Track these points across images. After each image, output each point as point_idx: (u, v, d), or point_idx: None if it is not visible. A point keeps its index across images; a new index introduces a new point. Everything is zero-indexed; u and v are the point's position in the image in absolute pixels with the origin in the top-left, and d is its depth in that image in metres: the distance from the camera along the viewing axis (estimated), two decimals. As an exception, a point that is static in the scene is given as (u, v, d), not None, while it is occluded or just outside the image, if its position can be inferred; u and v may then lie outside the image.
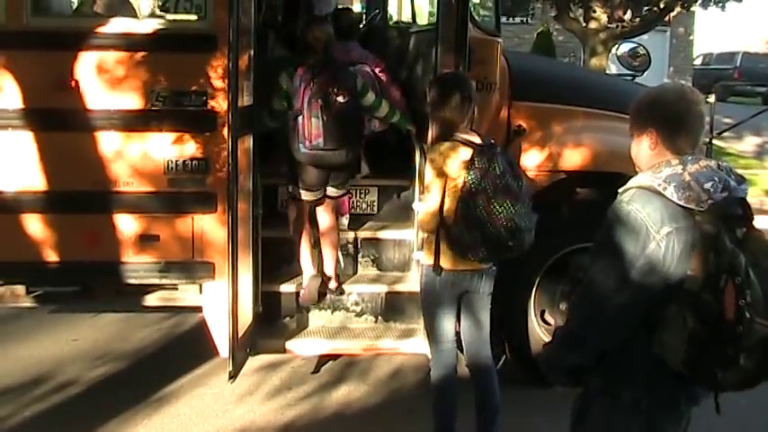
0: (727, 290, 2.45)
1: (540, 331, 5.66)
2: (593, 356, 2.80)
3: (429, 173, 4.37)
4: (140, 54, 4.84)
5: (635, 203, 2.65)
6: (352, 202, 6.09)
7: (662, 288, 2.59)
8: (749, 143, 17.60)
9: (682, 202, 2.57)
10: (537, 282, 5.59)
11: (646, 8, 19.78)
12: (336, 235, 5.65)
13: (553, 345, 2.99)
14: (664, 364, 2.61)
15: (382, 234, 5.87)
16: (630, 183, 2.76)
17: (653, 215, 2.59)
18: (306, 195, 5.46)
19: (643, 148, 2.85)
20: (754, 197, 12.61)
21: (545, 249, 5.42)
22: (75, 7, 5.99)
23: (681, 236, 2.56)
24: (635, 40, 14.21)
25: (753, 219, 2.64)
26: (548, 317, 5.67)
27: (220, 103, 4.82)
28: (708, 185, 2.56)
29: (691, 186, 2.57)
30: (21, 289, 5.27)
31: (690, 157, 2.68)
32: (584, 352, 2.80)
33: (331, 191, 5.53)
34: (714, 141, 6.36)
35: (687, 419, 2.94)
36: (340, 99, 5.15)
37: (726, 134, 8.69)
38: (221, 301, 4.91)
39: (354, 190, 6.07)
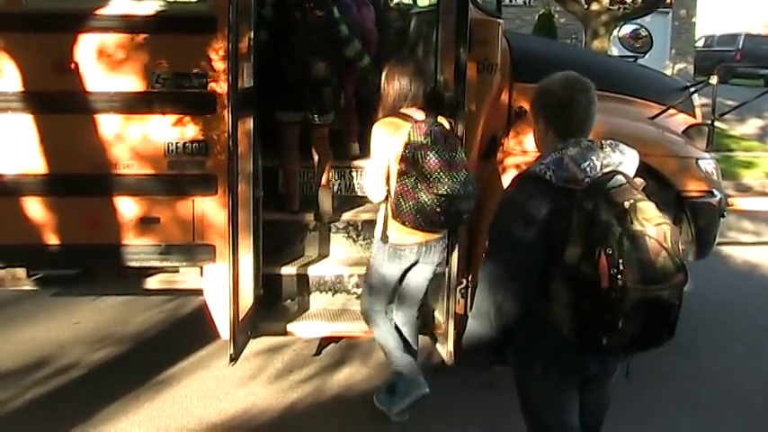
0: (601, 260, 2.65)
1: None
2: (500, 331, 3.00)
3: (372, 146, 4.69)
4: (140, 36, 4.82)
5: (520, 189, 2.97)
6: (352, 185, 6.11)
7: (548, 261, 2.83)
8: (751, 125, 17.58)
9: (560, 184, 2.82)
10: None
11: (648, -11, 19.70)
12: (328, 162, 6.01)
13: (467, 327, 3.13)
14: (561, 334, 2.86)
15: (383, 216, 5.85)
16: (524, 170, 3.07)
17: (536, 198, 2.85)
18: (286, 117, 5.76)
19: (537, 134, 3.17)
20: (755, 179, 12.61)
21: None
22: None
23: (561, 215, 2.78)
24: (637, 21, 14.17)
25: (640, 188, 2.89)
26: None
27: (221, 85, 4.80)
28: (584, 165, 2.84)
29: (568, 168, 2.84)
30: (21, 272, 5.27)
31: (573, 141, 2.95)
32: (491, 328, 2.99)
33: (316, 118, 5.82)
34: (716, 123, 6.31)
35: (609, 379, 3.22)
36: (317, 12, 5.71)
37: (728, 116, 8.66)
38: (222, 284, 4.91)
39: (354, 172, 6.08)
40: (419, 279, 4.95)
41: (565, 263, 2.76)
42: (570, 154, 2.89)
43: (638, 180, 2.97)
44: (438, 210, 4.49)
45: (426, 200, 4.48)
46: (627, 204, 2.73)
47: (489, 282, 3.01)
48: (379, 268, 4.88)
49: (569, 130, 3.02)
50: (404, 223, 4.61)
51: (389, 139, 4.58)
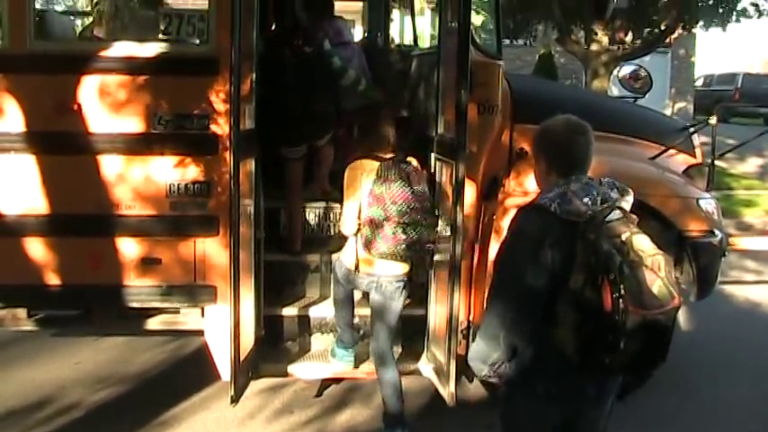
0: (604, 286, 2.87)
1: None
2: (508, 350, 3.17)
3: (345, 184, 5.11)
4: (143, 77, 4.87)
5: (526, 220, 3.18)
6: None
7: (552, 288, 3.01)
8: (752, 164, 17.61)
9: (564, 216, 3.03)
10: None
11: (647, 30, 19.85)
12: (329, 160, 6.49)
13: (475, 343, 3.31)
14: (564, 355, 3.02)
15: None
16: (528, 203, 3.34)
17: (542, 229, 3.05)
18: (292, 153, 6.01)
19: (539, 171, 3.39)
20: (756, 218, 12.62)
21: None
22: (78, 31, 6.02)
23: (565, 244, 2.98)
24: (636, 61, 14.22)
25: (635, 222, 3.12)
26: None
27: (222, 127, 4.84)
28: (586, 200, 3.05)
29: (572, 202, 3.05)
30: (22, 312, 5.27)
31: (574, 178, 3.16)
32: (500, 347, 3.16)
33: (318, 143, 6.30)
34: (716, 162, 6.32)
35: (606, 403, 3.34)
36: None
37: (728, 155, 8.68)
38: (223, 325, 4.91)
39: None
40: (385, 312, 5.12)
41: (569, 289, 2.95)
42: (573, 189, 3.09)
43: (633, 216, 3.15)
44: (402, 238, 4.90)
45: (389, 230, 4.88)
46: (624, 237, 2.98)
47: (498, 307, 3.18)
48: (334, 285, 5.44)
49: (570, 168, 3.21)
50: (370, 252, 4.94)
51: (360, 177, 5.00)
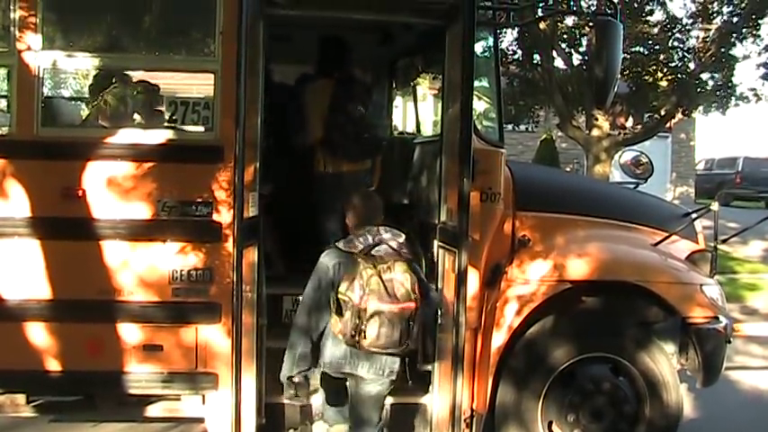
0: (355, 289, 4.53)
1: (547, 442, 5.55)
2: (309, 344, 4.81)
3: None
4: (147, 164, 4.93)
5: (326, 256, 4.80)
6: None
7: (333, 298, 4.66)
8: (755, 247, 17.59)
9: (345, 249, 4.73)
10: (544, 392, 5.50)
11: (647, 115, 20.09)
12: None
13: (289, 341, 4.85)
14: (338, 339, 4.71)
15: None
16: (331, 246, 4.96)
17: (330, 258, 4.77)
18: None
19: (347, 225, 5.12)
20: (761, 302, 12.54)
21: (552, 360, 5.41)
22: (83, 118, 6.10)
23: (343, 267, 4.68)
24: (637, 146, 14.29)
25: (401, 255, 4.67)
26: (555, 428, 5.57)
27: (225, 214, 4.87)
28: (360, 240, 4.71)
29: (352, 242, 4.74)
30: (21, 398, 5.22)
31: (363, 229, 4.82)
32: (303, 343, 4.81)
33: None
34: (719, 247, 6.28)
35: (378, 375, 4.81)
36: None
37: (731, 239, 8.67)
38: (224, 412, 4.86)
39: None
40: None
41: (339, 292, 4.58)
42: (357, 234, 4.78)
43: (404, 251, 4.73)
44: None
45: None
46: (389, 264, 4.59)
47: (299, 311, 4.83)
48: None
49: (361, 223, 4.92)
50: None
51: None
